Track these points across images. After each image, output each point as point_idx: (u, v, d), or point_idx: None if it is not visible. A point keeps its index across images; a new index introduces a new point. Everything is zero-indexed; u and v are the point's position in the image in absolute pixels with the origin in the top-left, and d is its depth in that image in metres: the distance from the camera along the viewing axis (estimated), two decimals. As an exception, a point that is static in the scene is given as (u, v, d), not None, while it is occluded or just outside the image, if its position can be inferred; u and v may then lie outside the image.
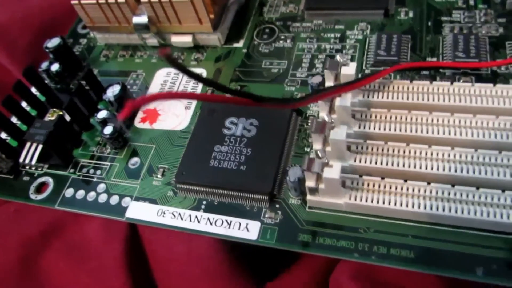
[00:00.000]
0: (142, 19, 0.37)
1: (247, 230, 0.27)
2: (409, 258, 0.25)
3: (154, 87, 0.37)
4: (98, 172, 0.33)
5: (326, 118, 0.26)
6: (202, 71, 0.37)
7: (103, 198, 0.31)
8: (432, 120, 0.27)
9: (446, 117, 0.27)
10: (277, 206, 0.28)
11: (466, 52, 0.31)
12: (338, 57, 0.29)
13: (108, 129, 0.32)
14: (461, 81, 0.30)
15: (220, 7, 0.38)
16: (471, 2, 0.34)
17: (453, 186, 0.25)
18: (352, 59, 0.34)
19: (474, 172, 0.25)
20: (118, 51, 0.41)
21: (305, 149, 0.30)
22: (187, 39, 0.38)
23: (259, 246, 0.27)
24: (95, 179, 0.32)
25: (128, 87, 0.37)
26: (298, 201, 0.28)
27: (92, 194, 0.32)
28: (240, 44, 0.38)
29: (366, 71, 0.33)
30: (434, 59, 0.32)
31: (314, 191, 0.26)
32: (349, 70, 0.28)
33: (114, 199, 0.31)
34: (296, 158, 0.30)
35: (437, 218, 0.25)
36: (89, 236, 0.31)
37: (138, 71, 0.39)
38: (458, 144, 0.26)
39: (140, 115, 0.35)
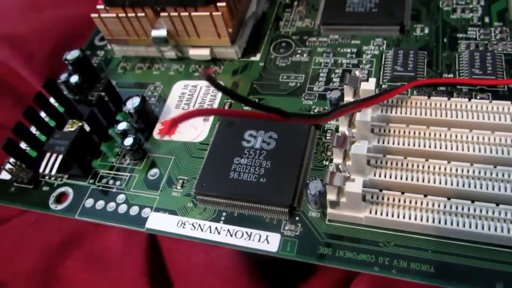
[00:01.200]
0: (161, 32, 0.38)
1: (267, 242, 0.28)
2: (429, 273, 0.25)
3: (172, 100, 0.38)
4: (118, 182, 0.33)
5: (347, 133, 0.27)
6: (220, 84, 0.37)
7: (123, 208, 0.32)
8: (451, 136, 0.27)
9: (464, 133, 0.27)
10: (297, 218, 0.28)
11: (483, 69, 0.32)
12: (357, 73, 0.29)
13: (128, 141, 0.33)
14: (478, 97, 0.31)
15: (238, 21, 0.38)
16: (486, 20, 0.35)
17: (472, 202, 0.25)
18: (369, 74, 0.34)
19: (493, 189, 0.25)
20: (136, 63, 0.42)
21: (324, 162, 0.30)
22: (205, 52, 0.38)
23: (278, 258, 0.27)
24: (114, 190, 0.33)
25: (146, 99, 0.38)
26: (318, 214, 0.28)
27: (112, 205, 0.32)
28: (257, 57, 0.38)
29: (383, 86, 0.33)
30: (451, 75, 0.32)
31: (335, 204, 0.26)
32: (368, 86, 0.28)
33: (134, 210, 0.31)
34: (315, 171, 0.30)
35: (457, 234, 0.25)
36: (109, 246, 0.32)
37: (156, 83, 0.39)
38: (477, 161, 0.26)
39: (158, 126, 0.36)
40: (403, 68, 0.33)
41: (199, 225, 0.29)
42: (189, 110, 0.20)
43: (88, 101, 0.39)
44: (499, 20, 0.35)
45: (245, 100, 0.22)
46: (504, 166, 0.26)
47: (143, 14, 0.38)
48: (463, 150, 0.27)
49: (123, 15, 0.38)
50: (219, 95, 0.37)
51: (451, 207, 0.25)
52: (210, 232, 0.29)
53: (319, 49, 0.37)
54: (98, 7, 0.39)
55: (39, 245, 0.33)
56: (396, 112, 0.29)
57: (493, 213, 0.25)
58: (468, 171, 0.26)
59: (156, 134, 0.35)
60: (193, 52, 0.39)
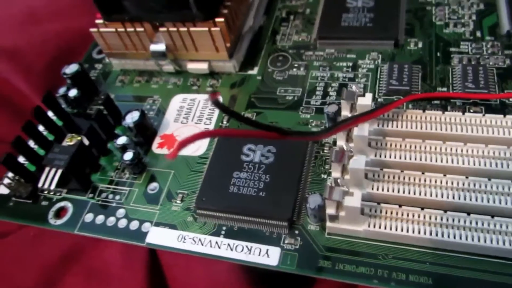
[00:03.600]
0: (160, 47, 0.39)
1: (267, 255, 0.28)
2: (428, 285, 0.25)
3: (171, 113, 0.38)
4: (117, 197, 0.33)
5: (345, 147, 0.27)
6: (218, 98, 0.38)
7: (123, 223, 0.32)
8: (446, 149, 0.28)
9: (459, 146, 0.28)
10: (296, 232, 0.29)
11: (476, 83, 0.32)
12: (354, 87, 0.30)
13: (128, 155, 0.33)
14: (471, 111, 0.31)
15: (235, 35, 0.39)
16: (478, 34, 0.36)
17: (468, 214, 0.26)
18: (364, 88, 0.35)
19: (488, 201, 0.26)
20: (134, 76, 0.42)
21: (322, 175, 0.31)
22: (203, 66, 0.39)
23: (278, 271, 0.28)
24: (114, 204, 0.33)
25: (146, 113, 0.38)
26: (317, 228, 0.28)
27: (111, 219, 0.32)
28: (254, 71, 0.39)
29: (379, 100, 0.34)
30: (445, 89, 0.33)
31: (334, 218, 0.27)
32: (365, 101, 0.29)
33: (134, 224, 0.31)
34: (313, 184, 0.31)
35: (454, 246, 0.26)
36: (109, 261, 0.32)
37: (154, 97, 0.40)
38: (471, 173, 0.27)
39: (157, 140, 0.36)
40: (398, 82, 0.34)
41: (199, 239, 0.30)
42: (196, 133, 0.20)
43: (86, 115, 0.39)
44: (490, 35, 0.36)
45: (249, 121, 0.22)
46: (498, 178, 0.26)
47: (142, 29, 0.38)
48: (458, 163, 0.27)
49: (122, 29, 0.39)
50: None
51: (447, 220, 0.26)
52: (211, 246, 0.29)
53: (315, 63, 0.38)
54: (97, 21, 0.40)
55: (38, 261, 0.33)
56: (392, 126, 0.30)
57: (488, 225, 0.25)
58: (463, 184, 0.27)
59: (155, 148, 0.36)
60: (191, 66, 0.39)
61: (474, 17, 0.37)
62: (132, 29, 0.38)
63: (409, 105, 0.33)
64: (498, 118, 0.29)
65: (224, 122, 0.36)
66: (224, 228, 0.30)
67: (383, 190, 0.27)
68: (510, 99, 0.31)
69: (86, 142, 0.36)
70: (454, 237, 0.25)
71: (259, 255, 0.28)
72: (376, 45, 0.37)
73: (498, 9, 0.37)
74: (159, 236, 0.30)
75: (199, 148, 0.35)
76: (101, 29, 0.40)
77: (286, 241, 0.28)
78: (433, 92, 0.33)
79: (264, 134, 0.22)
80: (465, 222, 0.26)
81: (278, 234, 0.29)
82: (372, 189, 0.28)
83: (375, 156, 0.29)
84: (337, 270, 0.27)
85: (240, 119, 0.21)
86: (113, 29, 0.39)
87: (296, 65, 0.38)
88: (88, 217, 0.33)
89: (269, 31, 0.42)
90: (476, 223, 0.25)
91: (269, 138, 0.22)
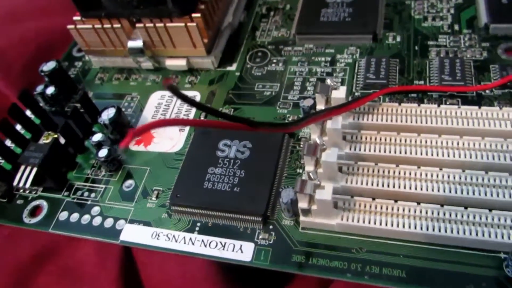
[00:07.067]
0: (137, 43, 0.38)
1: (241, 251, 0.28)
2: (401, 278, 0.25)
3: (149, 110, 0.38)
4: (93, 195, 0.33)
5: (318, 141, 0.27)
6: (196, 94, 0.38)
7: (97, 221, 0.31)
8: (421, 142, 0.28)
9: (434, 138, 0.28)
10: (271, 227, 0.28)
11: (452, 76, 0.32)
12: (328, 81, 0.29)
13: (103, 152, 0.33)
14: (447, 103, 0.31)
15: (213, 31, 0.39)
16: (456, 27, 0.36)
17: (442, 206, 0.26)
18: (342, 82, 0.35)
19: (462, 192, 0.26)
20: (113, 74, 0.42)
21: (298, 170, 0.31)
22: (181, 63, 0.39)
23: (253, 267, 0.27)
24: (89, 202, 0.33)
25: (123, 109, 0.38)
26: (291, 222, 0.28)
27: (86, 217, 0.32)
28: (233, 67, 0.39)
29: (356, 94, 0.34)
30: (422, 82, 0.33)
31: (306, 212, 0.27)
32: (339, 94, 0.29)
33: (109, 222, 0.31)
34: (289, 179, 0.30)
35: (427, 238, 0.25)
36: (83, 260, 0.31)
37: (132, 94, 0.39)
38: (445, 165, 0.27)
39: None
40: (375, 76, 0.34)
41: (174, 236, 0.29)
42: (150, 122, 0.20)
43: (65, 113, 0.39)
44: (468, 28, 0.36)
45: (210, 109, 0.22)
46: (473, 170, 0.26)
47: (119, 25, 0.38)
48: (432, 155, 0.27)
49: (99, 26, 0.38)
50: (196, 105, 0.37)
51: (420, 212, 0.26)
52: (185, 243, 0.29)
53: (294, 58, 0.38)
54: (75, 18, 0.39)
55: (11, 261, 0.32)
56: (368, 120, 0.29)
57: (462, 216, 0.25)
58: (437, 176, 0.26)
59: (132, 145, 0.35)
60: (169, 63, 0.39)
61: (452, 11, 0.37)
62: (109, 26, 0.38)
63: (386, 99, 0.33)
64: (474, 110, 0.28)
65: (202, 118, 0.35)
66: (198, 224, 0.29)
67: (357, 183, 0.27)
68: (486, 91, 0.31)
69: (62, 140, 0.35)
70: (427, 229, 0.25)
71: (233, 251, 0.28)
72: (354, 40, 0.37)
73: (476, 2, 0.37)
74: (134, 234, 0.30)
75: (175, 144, 0.34)
76: (78, 26, 0.39)
77: (260, 237, 0.28)
78: (410, 85, 0.33)
79: (231, 125, 0.21)
80: (438, 214, 0.25)
81: (252, 230, 0.28)
82: (347, 182, 0.27)
83: (350, 149, 0.28)
84: (310, 265, 0.26)
85: (201, 108, 0.21)
86: (90, 26, 0.39)
87: (275, 61, 0.38)
88: (63, 216, 0.32)
89: (249, 27, 0.41)
90: (450, 215, 0.25)
91: (237, 129, 0.22)
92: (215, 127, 0.22)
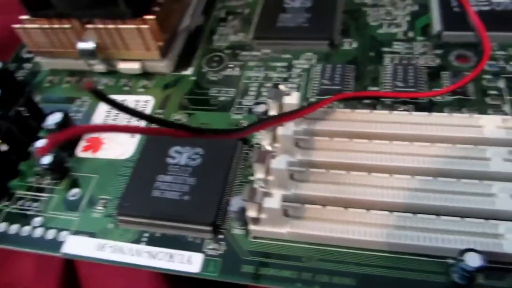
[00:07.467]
0: (88, 45, 0.37)
1: (189, 262, 0.27)
2: (351, 286, 0.25)
3: (99, 115, 0.36)
4: (35, 204, 0.31)
5: (268, 148, 0.26)
6: (150, 99, 0.36)
7: (39, 232, 0.29)
8: (373, 148, 0.28)
9: (384, 144, 0.28)
10: (221, 237, 0.27)
11: (405, 82, 0.32)
12: (281, 87, 0.29)
13: (46, 159, 0.31)
14: (400, 109, 0.31)
15: (169, 34, 0.37)
16: (411, 34, 0.36)
17: (391, 212, 0.25)
18: (298, 88, 0.34)
19: (410, 199, 0.26)
20: (64, 77, 0.40)
21: (250, 178, 0.30)
22: (134, 66, 0.37)
23: (203, 279, 0.26)
24: (31, 212, 0.31)
25: (73, 114, 0.36)
26: (242, 231, 0.27)
27: (26, 229, 0.30)
28: (189, 71, 0.38)
29: (311, 100, 0.33)
30: (376, 88, 0.33)
31: (256, 221, 0.26)
32: (291, 100, 0.28)
33: (51, 234, 0.29)
34: (241, 187, 0.29)
35: (376, 245, 0.25)
36: (21, 275, 0.29)
37: (83, 98, 0.38)
38: (396, 171, 0.27)
39: (83, 143, 0.34)
40: (330, 82, 0.33)
41: (120, 247, 0.28)
42: (70, 129, 0.19)
43: (9, 117, 0.36)
44: (423, 35, 0.36)
45: (143, 115, 0.21)
46: (423, 176, 0.26)
47: (69, 26, 0.36)
48: (382, 161, 0.27)
49: (48, 26, 0.37)
50: (149, 110, 0.35)
51: (370, 219, 0.25)
52: (131, 254, 0.27)
53: (250, 63, 0.37)
54: (22, 17, 0.37)
55: None
56: (320, 126, 0.29)
57: (410, 222, 0.25)
58: (388, 182, 0.26)
59: (80, 151, 0.34)
60: (122, 66, 0.38)
61: (408, 18, 0.38)
62: (58, 26, 0.36)
63: (340, 105, 0.32)
64: (424, 116, 0.29)
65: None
66: (146, 234, 0.28)
67: (308, 190, 0.27)
68: (438, 97, 0.32)
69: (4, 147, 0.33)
70: (377, 236, 0.25)
71: (181, 262, 0.27)
72: (311, 46, 0.37)
73: (431, 11, 0.37)
74: (77, 246, 0.28)
75: (126, 151, 0.33)
76: (26, 26, 0.37)
77: (209, 247, 0.27)
78: (364, 91, 0.33)
79: (176, 133, 0.20)
80: (387, 220, 0.25)
81: (201, 240, 0.27)
82: (297, 189, 0.27)
83: (302, 156, 0.28)
84: (260, 276, 0.25)
85: (128, 112, 0.20)
86: (38, 26, 0.37)
87: (231, 66, 0.37)
88: (1, 227, 0.30)
89: (206, 31, 0.41)
90: (398, 221, 0.25)
91: (181, 137, 0.21)
92: (153, 134, 0.20)
